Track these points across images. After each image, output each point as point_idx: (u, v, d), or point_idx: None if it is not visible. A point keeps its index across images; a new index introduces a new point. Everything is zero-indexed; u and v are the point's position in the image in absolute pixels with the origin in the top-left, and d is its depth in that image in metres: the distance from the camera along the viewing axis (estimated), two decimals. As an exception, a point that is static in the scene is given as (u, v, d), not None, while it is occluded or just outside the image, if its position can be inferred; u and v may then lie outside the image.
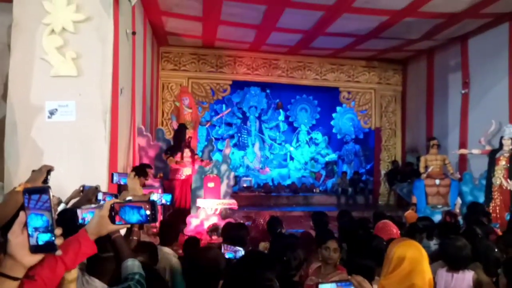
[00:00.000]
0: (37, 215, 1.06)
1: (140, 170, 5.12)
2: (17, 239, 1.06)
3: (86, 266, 1.96)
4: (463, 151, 8.36)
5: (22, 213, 1.07)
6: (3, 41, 5.31)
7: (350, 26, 8.41)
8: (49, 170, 2.21)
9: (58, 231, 1.09)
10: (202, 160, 6.91)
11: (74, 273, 1.38)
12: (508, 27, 7.75)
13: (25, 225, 1.06)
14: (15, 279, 1.07)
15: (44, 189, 1.08)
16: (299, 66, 11.11)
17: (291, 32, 8.97)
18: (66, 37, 4.59)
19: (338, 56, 10.93)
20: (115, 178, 2.79)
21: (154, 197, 2.44)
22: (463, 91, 8.90)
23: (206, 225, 6.05)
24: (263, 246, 3.61)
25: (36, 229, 1.06)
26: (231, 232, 3.55)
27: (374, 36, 8.96)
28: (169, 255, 2.83)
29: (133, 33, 5.93)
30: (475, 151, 7.84)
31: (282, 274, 2.13)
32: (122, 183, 2.78)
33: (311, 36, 9.13)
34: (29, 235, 1.06)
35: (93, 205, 1.70)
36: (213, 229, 4.81)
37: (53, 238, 1.07)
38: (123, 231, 1.96)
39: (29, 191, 1.07)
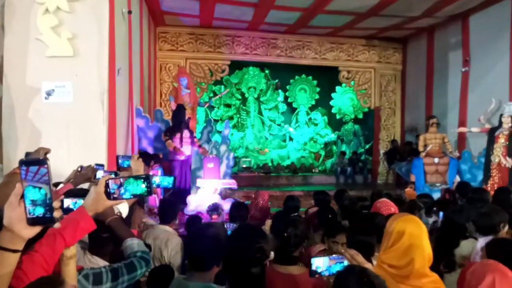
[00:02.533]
0: (35, 188, 1.05)
1: (145, 157, 5.10)
2: (14, 212, 1.05)
3: (88, 246, 1.97)
4: (462, 129, 8.35)
5: (18, 185, 1.05)
6: (-3, 21, 5.23)
7: (350, 4, 8.27)
8: (46, 152, 2.20)
9: (56, 204, 1.08)
10: (200, 146, 6.90)
11: (73, 250, 1.38)
12: (510, 3, 7.64)
13: (22, 197, 1.05)
14: (14, 251, 1.06)
15: (42, 161, 1.05)
16: (298, 45, 10.98)
17: (290, 10, 8.83)
18: (61, 17, 4.51)
19: (337, 34, 10.79)
20: (120, 160, 2.78)
21: (156, 179, 2.42)
22: (463, 70, 8.83)
23: (206, 205, 6.08)
24: (269, 224, 3.66)
25: (33, 201, 1.04)
26: (232, 211, 3.58)
27: (374, 14, 8.82)
28: (169, 233, 2.86)
29: (129, 12, 5.83)
30: (475, 129, 7.83)
31: (282, 249, 2.14)
32: (126, 165, 2.76)
33: (310, 14, 8.99)
34: (26, 207, 1.04)
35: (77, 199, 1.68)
36: (213, 208, 4.82)
37: (51, 211, 1.06)
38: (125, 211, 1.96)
39: (26, 163, 1.05)
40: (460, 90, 8.96)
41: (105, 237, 1.92)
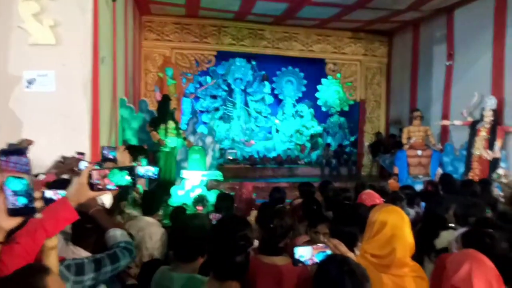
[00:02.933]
0: (16, 178, 1.03)
1: (132, 150, 5.04)
2: None
3: (71, 237, 1.95)
4: (445, 122, 8.49)
5: None
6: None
7: (336, -5, 8.27)
8: (29, 144, 2.16)
9: (38, 194, 1.06)
10: (185, 139, 6.88)
11: (54, 240, 1.36)
12: (494, -2, 7.74)
13: (1, 188, 1.03)
14: None
15: (21, 151, 1.04)
16: (285, 37, 10.96)
17: (277, 1, 8.79)
18: (43, 4, 4.41)
19: (324, 26, 10.80)
20: (105, 151, 2.73)
21: (141, 169, 2.39)
22: (447, 63, 8.95)
23: (192, 196, 6.07)
24: (254, 214, 3.67)
25: (15, 192, 1.03)
26: (217, 202, 3.58)
27: (361, 6, 8.84)
28: (152, 224, 2.84)
29: (113, 0, 5.72)
30: (457, 122, 7.97)
31: (267, 240, 2.15)
32: (111, 156, 2.72)
33: (297, 5, 8.96)
34: (6, 198, 1.03)
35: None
36: (198, 199, 4.83)
37: (33, 201, 1.05)
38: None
39: (5, 152, 1.03)
40: (443, 83, 9.09)
41: (89, 228, 1.90)
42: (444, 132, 8.93)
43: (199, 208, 4.71)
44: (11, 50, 4.43)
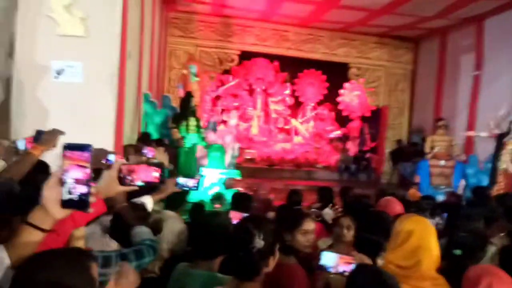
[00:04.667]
0: (80, 167, 1.05)
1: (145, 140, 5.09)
2: (51, 193, 1.06)
3: (108, 230, 1.98)
4: (470, 133, 8.30)
5: (59, 168, 1.07)
6: (10, -3, 5.20)
7: (364, 0, 8.17)
8: (59, 135, 2.18)
9: (94, 189, 1.08)
10: (203, 139, 6.91)
11: (82, 231, 1.37)
12: (528, 8, 7.53)
13: (61, 179, 1.05)
14: (43, 230, 1.07)
15: (85, 146, 1.06)
16: (309, 39, 10.89)
17: (303, 3, 8.74)
18: (74, -4, 4.47)
19: (349, 30, 10.70)
20: (145, 151, 2.75)
21: (181, 180, 2.39)
22: (475, 73, 8.74)
23: (210, 193, 6.08)
24: (272, 216, 3.66)
25: (77, 180, 1.05)
26: (237, 201, 3.57)
27: (388, 12, 8.72)
28: (174, 219, 2.84)
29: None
30: (483, 134, 7.77)
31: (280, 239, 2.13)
32: (149, 156, 2.73)
33: (323, 8, 8.90)
34: (64, 189, 1.05)
35: None
36: (216, 197, 4.81)
37: (88, 195, 1.07)
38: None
39: (70, 147, 1.05)
40: (470, 93, 8.88)
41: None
42: (469, 143, 8.72)
43: (217, 205, 4.69)
44: (39, 40, 4.50)
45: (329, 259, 1.67)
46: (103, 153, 2.66)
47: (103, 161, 2.56)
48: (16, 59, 4.48)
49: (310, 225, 2.29)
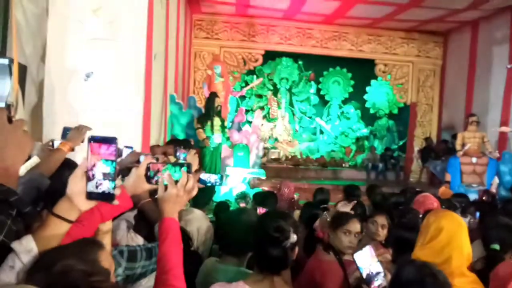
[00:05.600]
0: (107, 161, 1.07)
1: (177, 144, 5.14)
2: (76, 184, 1.08)
3: (133, 225, 2.02)
4: (504, 129, 7.97)
5: (84, 159, 1.08)
6: (43, 5, 5.38)
7: (390, -6, 8.02)
8: (86, 130, 2.23)
9: (118, 181, 1.10)
10: (228, 138, 6.95)
11: (109, 225, 1.40)
12: None
13: (86, 171, 1.07)
14: (69, 221, 1.10)
15: (111, 140, 1.07)
16: (334, 36, 10.76)
17: (327, 0, 8.65)
18: (101, 0, 4.59)
19: (376, 26, 10.50)
20: (178, 153, 2.77)
21: (204, 176, 2.40)
22: (509, 66, 8.39)
23: (234, 192, 6.11)
24: (297, 214, 3.66)
25: (104, 174, 1.07)
26: (262, 199, 3.58)
27: (416, 5, 8.50)
28: (200, 217, 2.87)
29: (167, -2, 5.87)
30: (518, 130, 7.46)
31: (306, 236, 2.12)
32: (182, 158, 2.75)
33: (349, 3, 8.78)
34: (89, 181, 1.07)
35: None
36: (241, 196, 4.83)
37: (114, 188, 1.08)
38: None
39: (96, 139, 1.07)
40: (504, 87, 8.53)
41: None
42: (503, 140, 8.38)
43: (242, 205, 4.71)
44: (69, 44, 4.63)
45: (364, 263, 1.65)
46: (135, 154, 2.72)
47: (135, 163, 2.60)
48: (48, 63, 4.63)
49: (355, 226, 2.28)
